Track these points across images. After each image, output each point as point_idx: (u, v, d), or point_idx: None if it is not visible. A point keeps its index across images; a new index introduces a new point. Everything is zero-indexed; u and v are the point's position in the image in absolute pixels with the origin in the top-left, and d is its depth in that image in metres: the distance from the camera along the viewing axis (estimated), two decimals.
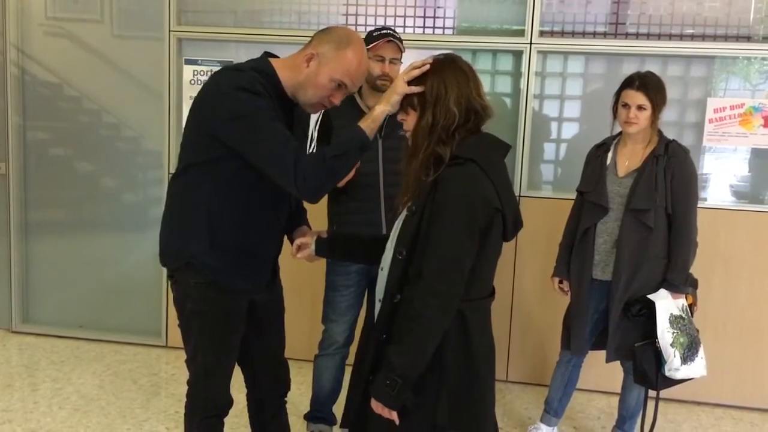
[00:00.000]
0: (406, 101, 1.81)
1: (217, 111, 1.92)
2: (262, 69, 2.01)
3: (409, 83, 1.80)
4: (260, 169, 1.90)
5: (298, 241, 2.18)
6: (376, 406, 1.71)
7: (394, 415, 1.70)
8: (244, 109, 1.88)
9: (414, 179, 1.77)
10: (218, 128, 1.93)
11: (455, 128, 1.74)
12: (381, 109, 1.87)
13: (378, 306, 1.83)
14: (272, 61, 2.07)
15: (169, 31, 3.90)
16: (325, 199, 2.80)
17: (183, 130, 2.11)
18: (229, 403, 2.25)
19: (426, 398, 1.73)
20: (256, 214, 2.07)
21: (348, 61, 1.98)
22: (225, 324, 2.14)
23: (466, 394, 1.76)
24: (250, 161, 1.91)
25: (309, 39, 2.06)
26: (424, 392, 1.72)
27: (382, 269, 1.83)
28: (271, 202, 2.10)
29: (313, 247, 2.14)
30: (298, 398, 3.35)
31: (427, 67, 1.79)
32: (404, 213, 1.80)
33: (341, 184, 2.57)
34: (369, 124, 1.88)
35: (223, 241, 2.05)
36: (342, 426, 1.88)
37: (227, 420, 2.26)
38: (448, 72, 1.77)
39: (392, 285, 1.77)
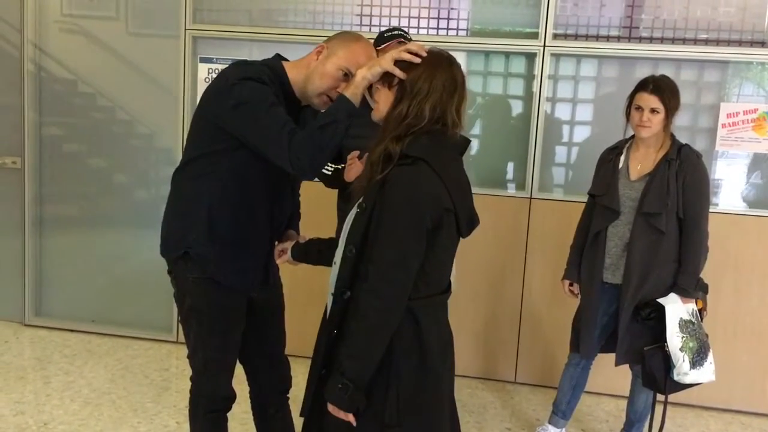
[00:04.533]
0: (387, 76, 1.78)
1: (224, 100, 1.96)
2: (271, 66, 2.07)
3: (397, 63, 1.75)
4: (259, 152, 1.94)
5: (279, 247, 2.22)
6: (332, 409, 1.71)
7: (350, 417, 1.70)
8: (248, 96, 1.92)
9: (371, 170, 1.75)
10: (223, 117, 1.97)
11: (417, 130, 1.71)
12: (362, 74, 1.84)
13: (330, 299, 1.83)
14: (283, 63, 2.11)
15: (185, 29, 3.93)
16: (334, 199, 2.82)
17: (190, 124, 2.15)
18: (230, 398, 2.27)
19: (375, 397, 1.72)
20: (255, 210, 2.11)
21: (356, 52, 2.02)
22: (223, 320, 2.17)
23: (417, 392, 1.75)
24: (250, 144, 1.95)
25: (322, 38, 2.09)
26: (373, 391, 1.72)
27: (335, 263, 1.82)
28: (271, 200, 2.14)
29: (289, 252, 2.17)
30: None
31: (418, 60, 1.73)
32: (355, 209, 1.78)
33: (350, 179, 2.58)
34: (352, 90, 1.87)
35: (221, 234, 2.08)
36: (300, 415, 1.90)
37: (238, 415, 2.28)
38: (440, 74, 1.73)
39: (342, 282, 1.75)
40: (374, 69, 1.80)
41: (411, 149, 1.70)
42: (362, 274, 1.71)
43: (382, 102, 1.79)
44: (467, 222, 1.81)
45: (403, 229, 1.66)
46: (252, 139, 1.94)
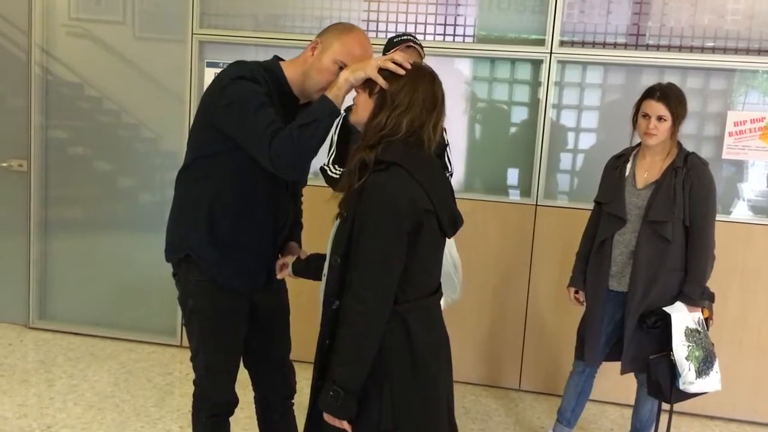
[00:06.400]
0: (369, 83, 1.79)
1: (218, 100, 1.98)
2: (268, 66, 2.08)
3: (381, 72, 1.76)
4: (246, 151, 1.94)
5: (281, 261, 2.22)
6: (328, 417, 1.72)
7: (345, 425, 1.71)
8: (239, 95, 1.94)
9: (349, 178, 1.76)
10: (217, 117, 1.98)
11: (391, 140, 1.73)
12: (345, 77, 1.85)
13: (322, 309, 1.84)
14: (281, 62, 2.12)
15: (192, 33, 3.94)
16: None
17: (191, 126, 2.16)
18: (233, 402, 2.27)
19: (370, 404, 1.73)
20: (255, 212, 2.11)
21: (350, 44, 2.02)
22: (225, 323, 2.17)
23: (412, 396, 1.75)
24: (238, 142, 1.96)
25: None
26: (368, 398, 1.72)
27: (324, 274, 1.83)
28: (271, 202, 2.14)
29: (290, 267, 2.18)
30: None
31: (402, 71, 1.75)
32: (338, 220, 1.79)
33: None
34: (335, 92, 1.87)
35: (221, 236, 2.09)
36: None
37: (242, 420, 2.28)
38: (421, 90, 1.75)
39: (330, 291, 1.77)
40: (357, 73, 1.82)
41: (384, 155, 1.72)
42: (348, 282, 1.72)
43: (361, 106, 1.81)
44: (450, 222, 1.81)
45: (383, 234, 1.68)
46: (240, 138, 1.95)
